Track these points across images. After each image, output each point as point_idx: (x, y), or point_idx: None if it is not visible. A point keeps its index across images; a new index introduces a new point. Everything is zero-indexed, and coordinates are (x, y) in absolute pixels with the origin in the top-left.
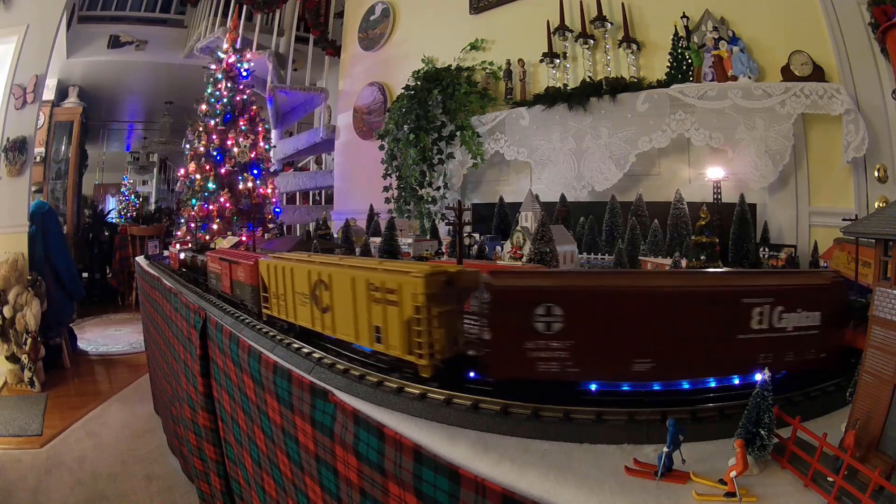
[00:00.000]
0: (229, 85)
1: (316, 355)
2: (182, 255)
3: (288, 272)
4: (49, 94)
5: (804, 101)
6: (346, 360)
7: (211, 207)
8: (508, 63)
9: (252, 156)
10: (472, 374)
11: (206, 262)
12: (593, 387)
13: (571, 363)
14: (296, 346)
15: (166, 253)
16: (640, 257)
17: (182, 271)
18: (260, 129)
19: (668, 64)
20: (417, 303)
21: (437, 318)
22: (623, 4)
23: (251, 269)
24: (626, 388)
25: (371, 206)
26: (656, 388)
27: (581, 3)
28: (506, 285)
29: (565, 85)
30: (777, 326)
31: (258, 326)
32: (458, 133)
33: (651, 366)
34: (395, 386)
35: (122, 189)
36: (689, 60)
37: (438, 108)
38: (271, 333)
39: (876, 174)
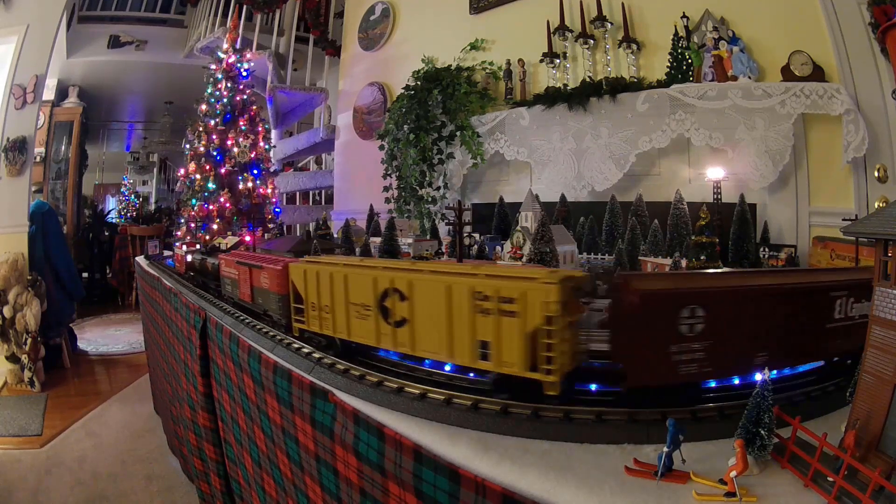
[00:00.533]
0: (229, 85)
1: (316, 355)
2: (189, 258)
3: (338, 279)
4: (49, 94)
5: (804, 101)
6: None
7: (211, 207)
8: (508, 63)
9: (252, 156)
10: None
11: (218, 265)
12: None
13: (707, 363)
14: (296, 345)
15: (167, 253)
16: (640, 257)
17: (189, 275)
18: (260, 129)
19: (668, 64)
20: (550, 312)
21: (567, 329)
22: (623, 4)
23: (279, 274)
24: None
25: (371, 206)
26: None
27: (581, 3)
28: (655, 289)
29: (565, 85)
30: (850, 315)
31: (259, 327)
32: (458, 133)
33: (766, 357)
34: (395, 386)
35: (122, 189)
36: (689, 60)
37: (438, 108)
38: (272, 334)
39: (876, 174)
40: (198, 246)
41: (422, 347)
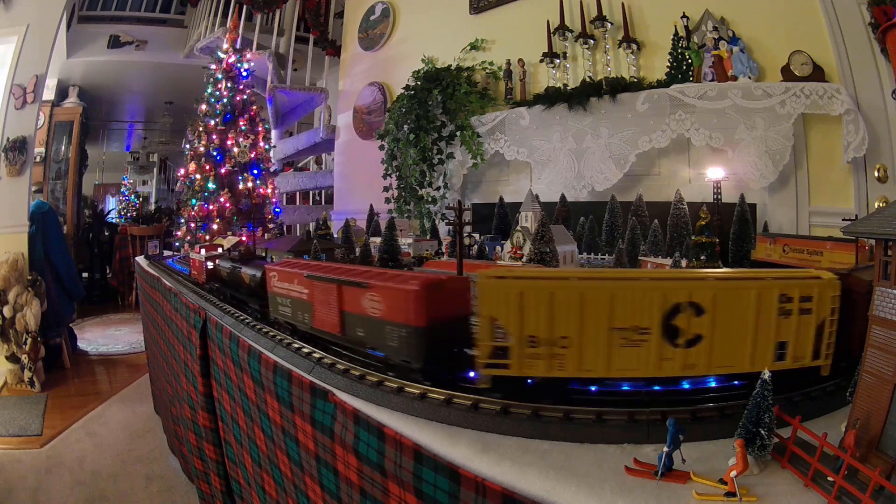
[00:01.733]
0: (229, 85)
1: (316, 355)
2: (210, 265)
3: (595, 298)
4: (49, 94)
5: (804, 101)
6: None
7: (211, 207)
8: (508, 63)
9: (252, 156)
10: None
11: (261, 279)
12: None
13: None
14: (296, 345)
15: (167, 253)
16: (640, 257)
17: (213, 287)
18: (260, 129)
19: (668, 64)
20: (835, 304)
21: None
22: (623, 4)
23: (414, 298)
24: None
25: (371, 206)
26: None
27: (581, 3)
28: (868, 280)
29: (565, 85)
30: None
31: (259, 327)
32: (458, 133)
33: None
34: (396, 386)
35: (122, 189)
36: (689, 60)
37: (438, 108)
38: (272, 334)
39: (876, 174)
40: (220, 249)
41: (719, 363)
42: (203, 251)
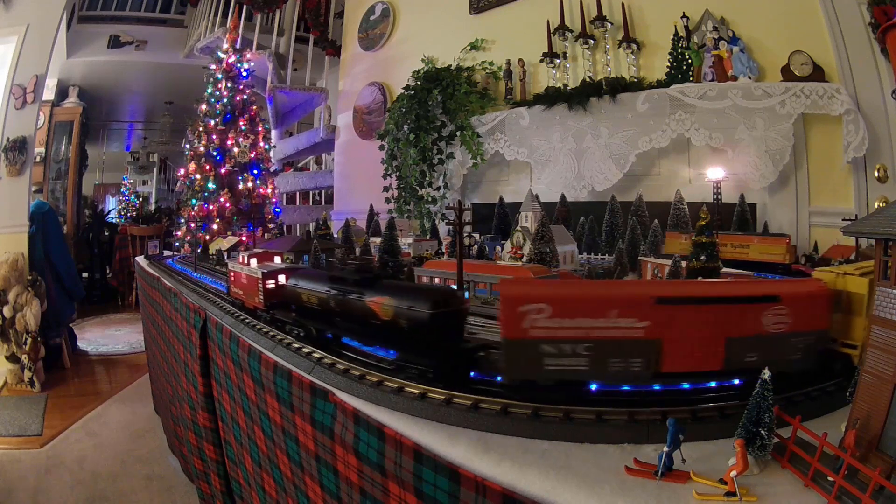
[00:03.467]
0: (229, 85)
1: (316, 355)
2: (271, 283)
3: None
4: (49, 94)
5: (804, 101)
6: None
7: (211, 207)
8: (508, 63)
9: (252, 156)
10: None
11: (435, 318)
12: None
13: None
14: (296, 345)
15: (167, 253)
16: (640, 257)
17: (288, 319)
18: (260, 129)
19: (668, 64)
20: None
21: None
22: (623, 4)
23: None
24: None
25: (371, 206)
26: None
27: (581, 3)
28: None
29: (565, 85)
30: None
31: (259, 327)
32: (458, 133)
33: None
34: (396, 385)
35: (122, 189)
36: (689, 60)
37: (438, 108)
38: (272, 334)
39: (876, 174)
40: (279, 259)
41: None
42: (254, 261)
